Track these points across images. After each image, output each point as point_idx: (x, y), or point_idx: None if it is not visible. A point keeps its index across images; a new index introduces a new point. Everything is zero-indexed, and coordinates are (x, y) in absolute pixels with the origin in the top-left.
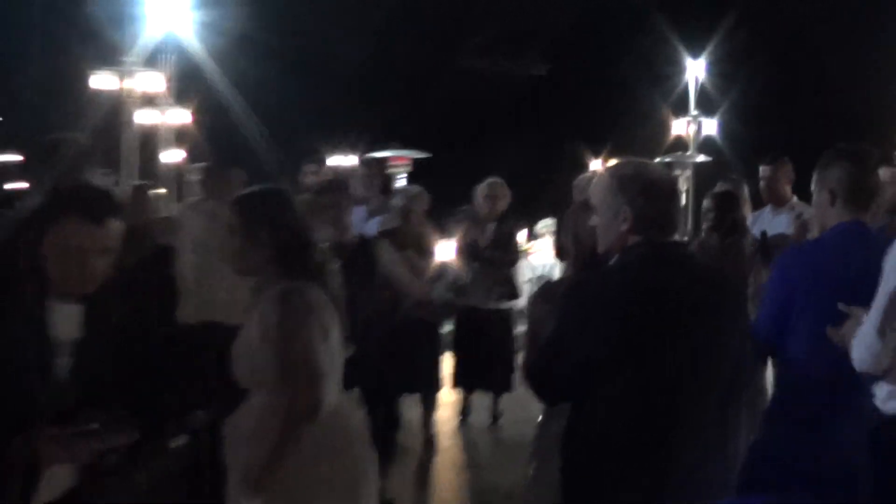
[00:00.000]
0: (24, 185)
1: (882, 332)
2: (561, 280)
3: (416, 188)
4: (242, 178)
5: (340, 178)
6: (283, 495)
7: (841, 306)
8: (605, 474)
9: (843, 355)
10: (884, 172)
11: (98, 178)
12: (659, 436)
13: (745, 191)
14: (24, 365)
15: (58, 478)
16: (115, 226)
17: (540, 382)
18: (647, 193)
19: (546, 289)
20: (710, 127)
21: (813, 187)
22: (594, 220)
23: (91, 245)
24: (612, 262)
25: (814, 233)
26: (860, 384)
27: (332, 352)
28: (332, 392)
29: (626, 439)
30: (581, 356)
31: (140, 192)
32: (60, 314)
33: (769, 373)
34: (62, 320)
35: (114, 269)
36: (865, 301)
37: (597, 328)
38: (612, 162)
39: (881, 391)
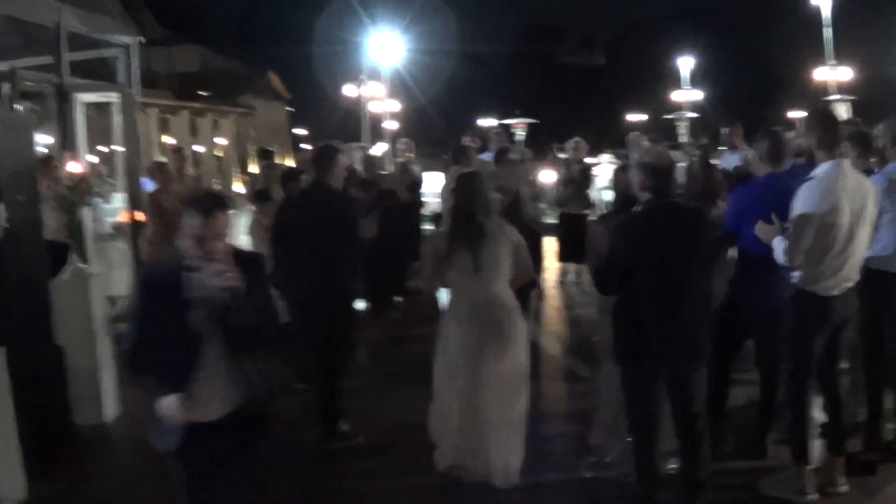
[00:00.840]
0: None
1: (789, 251)
2: (608, 213)
3: (524, 149)
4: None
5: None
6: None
7: (773, 217)
8: (638, 322)
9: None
10: (790, 134)
11: (354, 149)
12: (668, 299)
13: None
14: (167, 316)
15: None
16: (223, 217)
17: (599, 283)
18: (647, 172)
19: (601, 217)
20: (698, 95)
21: (752, 150)
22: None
23: (204, 232)
24: (635, 208)
25: (756, 171)
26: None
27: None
28: (462, 281)
29: (649, 302)
30: (621, 266)
31: (370, 158)
32: (191, 279)
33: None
34: (192, 283)
35: (361, 202)
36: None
37: (630, 247)
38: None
39: (795, 273)
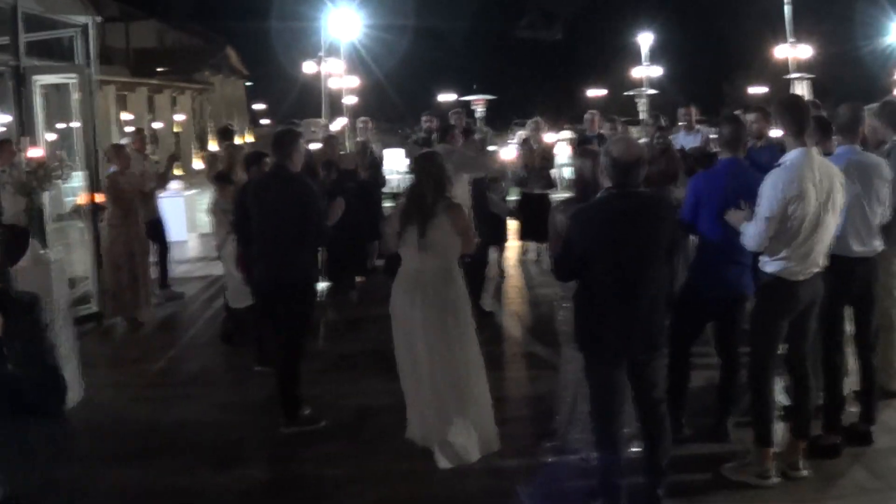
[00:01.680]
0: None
1: (756, 237)
2: (569, 199)
3: (486, 128)
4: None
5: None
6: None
7: (742, 204)
8: (597, 309)
9: (732, 232)
10: (750, 116)
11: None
12: (624, 290)
13: (662, 121)
14: None
15: None
16: None
17: (557, 270)
18: (612, 163)
19: (562, 204)
20: (657, 72)
21: (709, 129)
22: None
23: None
24: (597, 196)
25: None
26: (741, 249)
27: (415, 233)
28: (409, 255)
29: (606, 291)
30: (579, 252)
31: (329, 138)
32: None
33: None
34: None
35: (319, 185)
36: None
37: (586, 236)
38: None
39: (762, 259)
